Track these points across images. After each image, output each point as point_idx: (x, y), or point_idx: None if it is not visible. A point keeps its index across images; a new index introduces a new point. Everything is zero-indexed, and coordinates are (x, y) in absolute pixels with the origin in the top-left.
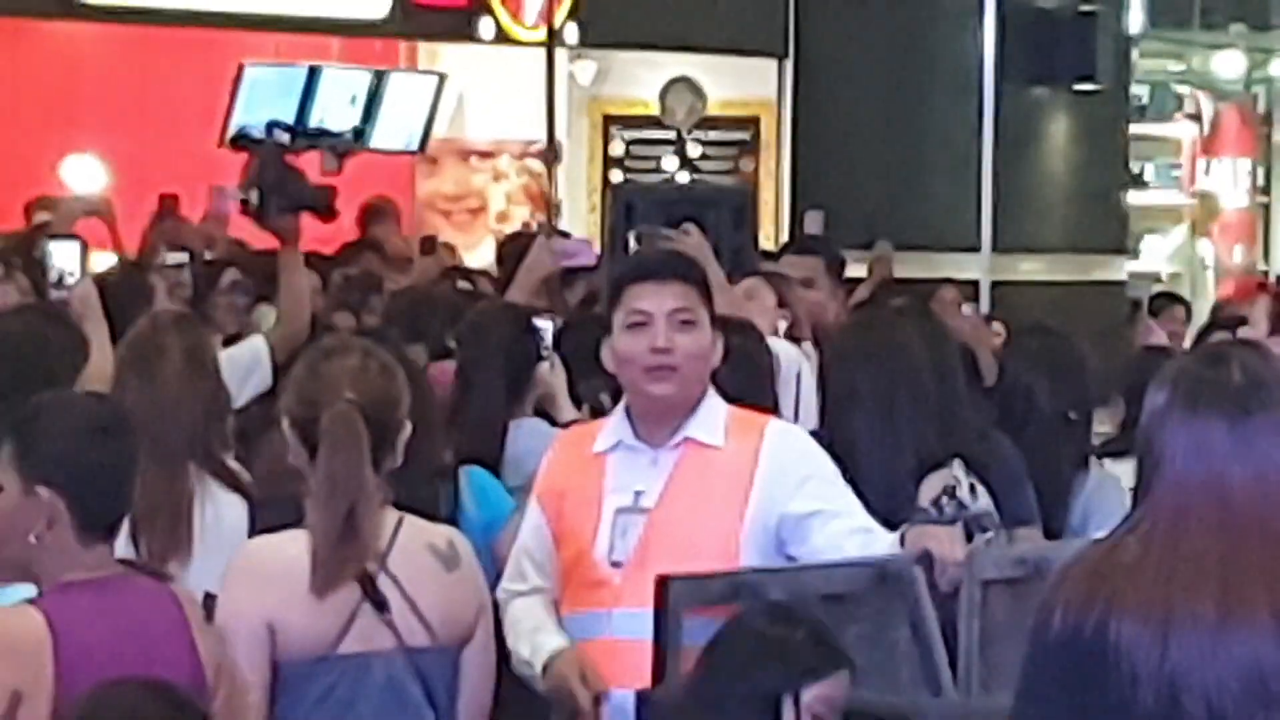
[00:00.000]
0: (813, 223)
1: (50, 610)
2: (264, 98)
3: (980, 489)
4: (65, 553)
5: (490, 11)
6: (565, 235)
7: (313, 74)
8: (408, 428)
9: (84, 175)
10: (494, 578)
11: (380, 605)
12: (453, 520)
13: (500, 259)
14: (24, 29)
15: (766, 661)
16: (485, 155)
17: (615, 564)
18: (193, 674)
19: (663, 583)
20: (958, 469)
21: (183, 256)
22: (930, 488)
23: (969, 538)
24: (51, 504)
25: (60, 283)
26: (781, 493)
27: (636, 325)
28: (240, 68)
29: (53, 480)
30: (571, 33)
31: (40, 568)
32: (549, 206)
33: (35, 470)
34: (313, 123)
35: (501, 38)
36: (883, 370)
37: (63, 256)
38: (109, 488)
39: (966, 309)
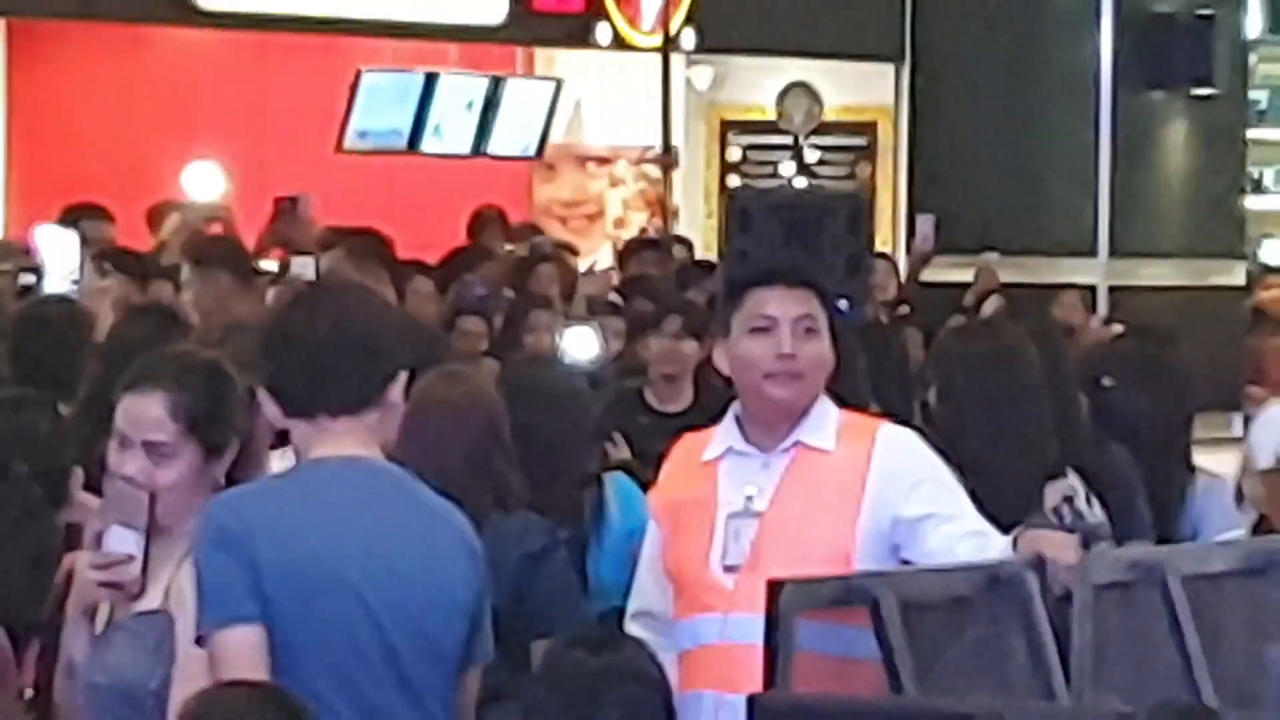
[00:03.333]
0: (924, 225)
1: None
2: (381, 104)
3: (1095, 501)
4: None
5: (607, 17)
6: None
7: (430, 80)
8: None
9: (204, 182)
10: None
11: None
12: (598, 527)
13: (621, 264)
14: (144, 36)
15: None
16: (602, 161)
17: (729, 568)
18: None
19: (774, 587)
20: (1074, 479)
21: (308, 260)
22: (1050, 497)
23: (1085, 547)
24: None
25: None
26: (894, 496)
27: (759, 330)
28: (358, 74)
29: None
30: (688, 38)
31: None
32: (666, 212)
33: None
34: (429, 129)
35: (618, 43)
36: (999, 377)
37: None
38: None
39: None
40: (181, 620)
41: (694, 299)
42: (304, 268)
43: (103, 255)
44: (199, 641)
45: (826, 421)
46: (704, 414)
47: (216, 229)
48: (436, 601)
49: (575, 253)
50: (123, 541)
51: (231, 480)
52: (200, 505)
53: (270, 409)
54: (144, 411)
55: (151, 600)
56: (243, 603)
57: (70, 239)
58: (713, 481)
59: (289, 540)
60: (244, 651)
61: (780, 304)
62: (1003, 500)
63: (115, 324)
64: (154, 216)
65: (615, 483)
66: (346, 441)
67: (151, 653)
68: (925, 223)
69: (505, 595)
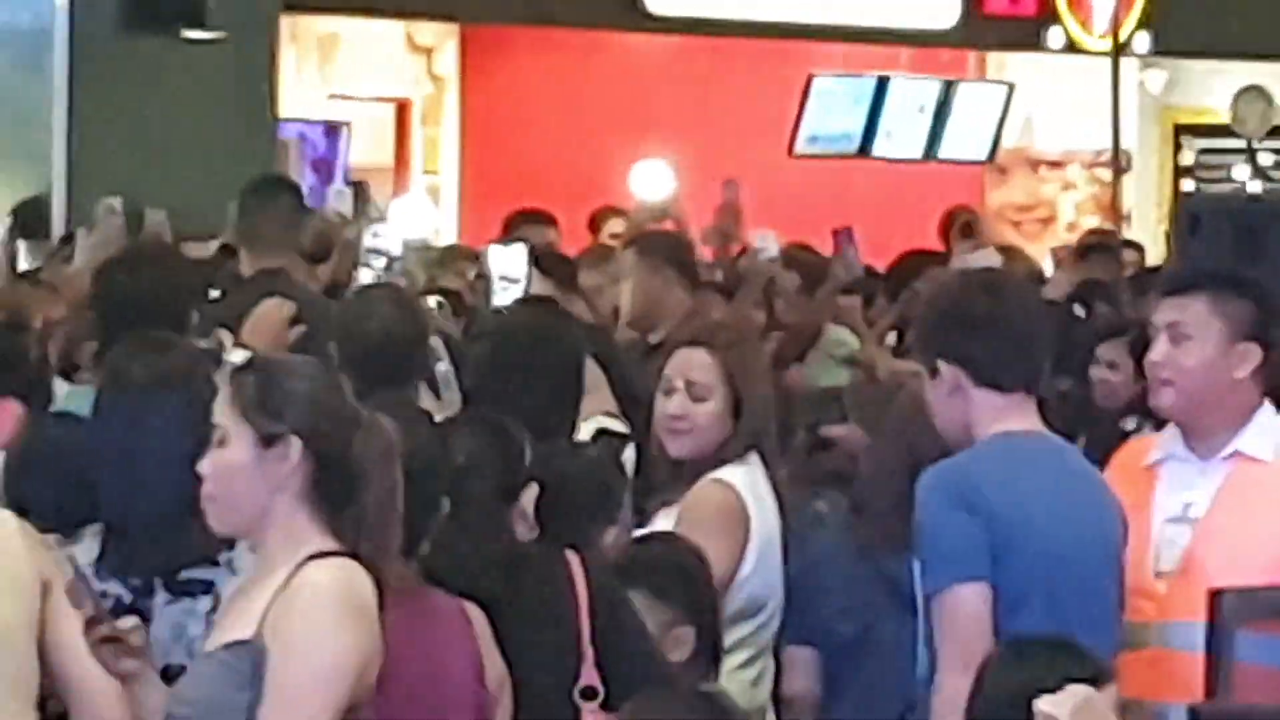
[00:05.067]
0: None
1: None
2: (833, 108)
3: None
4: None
5: (1059, 20)
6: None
7: (881, 84)
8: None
9: (652, 182)
10: None
11: None
12: None
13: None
14: (597, 41)
15: None
16: (1054, 165)
17: (1160, 574)
18: (476, 687)
19: (1216, 596)
20: None
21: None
22: None
23: None
24: None
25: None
26: None
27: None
28: (809, 78)
29: None
30: (1142, 42)
31: None
32: (1118, 217)
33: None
34: (881, 133)
35: (1070, 47)
36: None
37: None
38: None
39: None
40: (275, 652)
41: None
42: (765, 241)
43: (534, 259)
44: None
45: (1267, 432)
46: None
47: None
48: (1109, 554)
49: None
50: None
51: None
52: None
53: (951, 373)
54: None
55: (244, 629)
56: (976, 561)
57: (518, 248)
58: (1151, 487)
59: (1011, 513)
60: (976, 608)
61: (1161, 312)
62: None
63: None
64: (596, 221)
65: None
66: (1029, 415)
67: (242, 684)
68: None
69: None
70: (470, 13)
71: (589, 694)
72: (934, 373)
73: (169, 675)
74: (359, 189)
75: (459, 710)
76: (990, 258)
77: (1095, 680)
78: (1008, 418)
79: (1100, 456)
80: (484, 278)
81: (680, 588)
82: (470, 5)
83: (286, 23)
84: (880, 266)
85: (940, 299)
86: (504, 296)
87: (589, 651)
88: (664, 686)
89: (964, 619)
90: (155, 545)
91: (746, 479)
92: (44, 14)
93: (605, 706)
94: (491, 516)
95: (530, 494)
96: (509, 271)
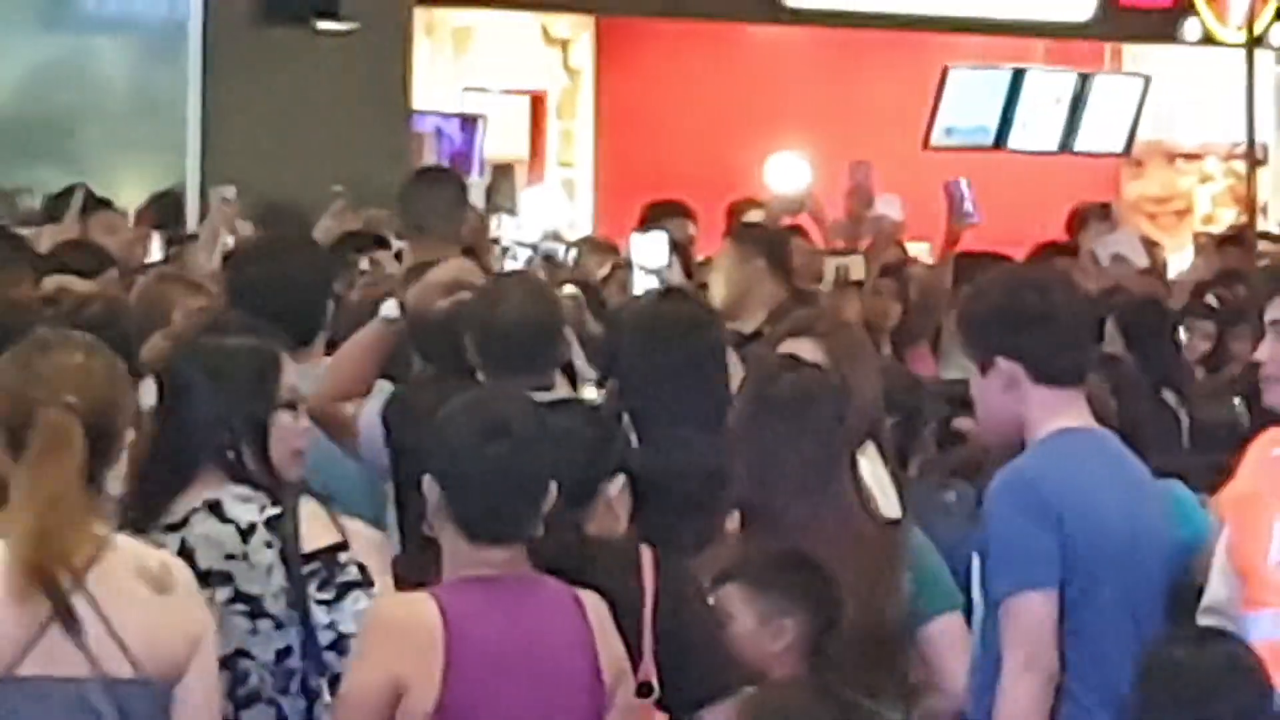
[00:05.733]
0: None
1: (445, 602)
2: (968, 100)
3: None
4: (456, 550)
5: (1195, 13)
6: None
7: (1017, 76)
8: (129, 434)
9: (787, 175)
10: None
11: (71, 624)
12: None
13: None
14: (732, 33)
15: None
16: (1191, 157)
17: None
18: (589, 676)
19: None
20: None
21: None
22: None
23: None
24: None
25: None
26: None
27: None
28: (945, 70)
29: (437, 478)
30: (1278, 34)
31: (444, 560)
32: (1253, 208)
33: (429, 465)
34: (1017, 125)
35: (1206, 39)
36: None
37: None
38: (487, 495)
39: None
40: None
41: None
42: (890, 205)
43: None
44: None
45: None
46: None
47: (799, 221)
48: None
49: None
50: None
51: None
52: None
53: (1009, 369)
54: None
55: None
56: (1046, 568)
57: (659, 239)
58: (1276, 477)
59: (1084, 512)
60: (1044, 614)
61: (1272, 309)
62: None
63: None
64: (733, 213)
65: (1173, 490)
66: (1082, 410)
67: None
68: None
69: None
70: (606, 5)
71: (644, 690)
72: (986, 368)
73: None
74: (500, 175)
75: (569, 697)
76: (1126, 240)
77: None
78: (1062, 413)
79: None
80: (623, 267)
81: (782, 578)
82: None
83: (422, 15)
84: (1017, 258)
85: (991, 295)
86: (643, 285)
87: (648, 648)
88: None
89: (1033, 625)
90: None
91: (868, 469)
92: (179, 6)
93: (662, 704)
94: (567, 503)
95: (617, 485)
96: (648, 261)
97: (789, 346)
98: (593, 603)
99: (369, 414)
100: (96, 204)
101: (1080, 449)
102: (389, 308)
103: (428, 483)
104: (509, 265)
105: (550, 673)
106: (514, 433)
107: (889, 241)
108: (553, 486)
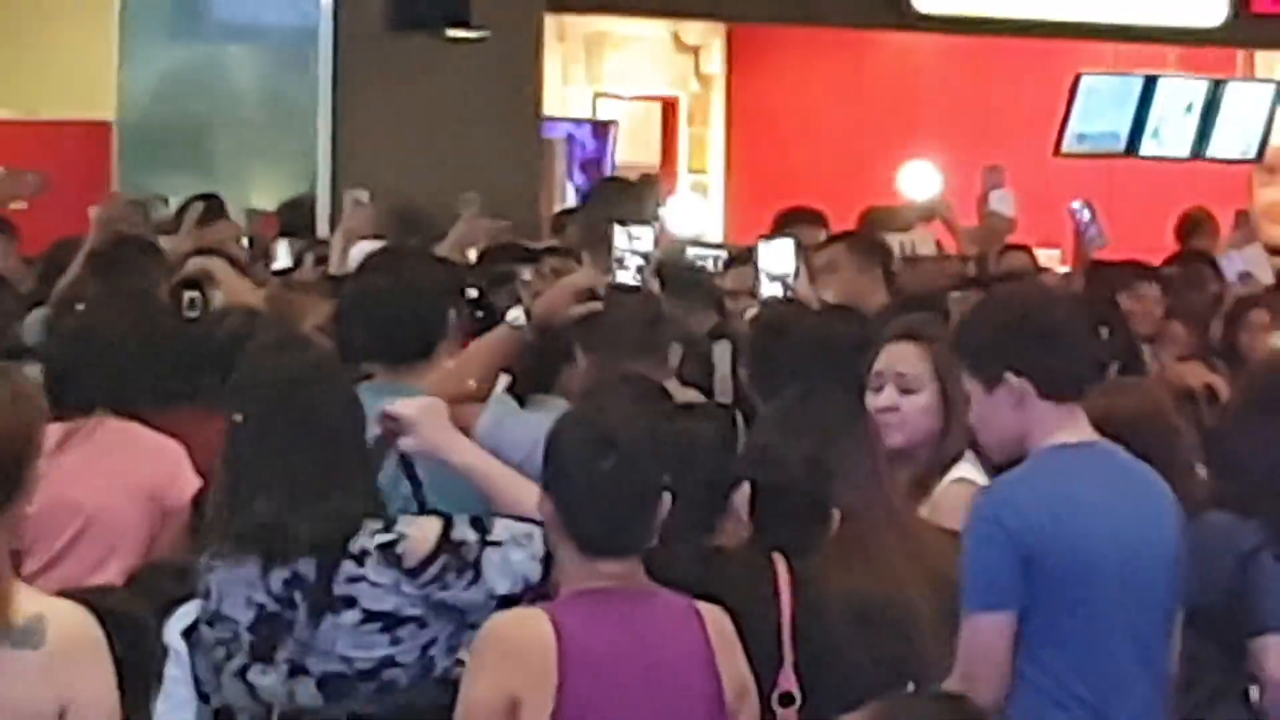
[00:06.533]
0: None
1: (558, 617)
2: (1099, 107)
3: None
4: (571, 564)
5: None
6: None
7: (1149, 83)
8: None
9: (920, 181)
10: None
11: None
12: None
13: None
14: (864, 40)
15: None
16: None
17: None
18: (708, 690)
19: None
20: None
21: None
22: None
23: None
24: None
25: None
26: None
27: None
28: (1077, 77)
29: (549, 493)
30: None
31: (561, 574)
32: None
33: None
34: (1148, 132)
35: None
36: None
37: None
38: (598, 508)
39: None
40: None
41: None
42: (1002, 202)
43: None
44: None
45: None
46: None
47: (928, 228)
48: (1163, 562)
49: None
50: None
51: None
52: None
53: (1019, 385)
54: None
55: None
56: (1002, 592)
57: (786, 245)
58: None
59: (1057, 531)
60: (989, 639)
61: None
62: None
63: None
64: (866, 220)
65: None
66: (1081, 424)
67: None
68: None
69: (1220, 594)
70: (737, 11)
71: (786, 699)
72: (993, 385)
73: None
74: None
75: (686, 711)
76: (1255, 256)
77: None
78: (1063, 428)
79: None
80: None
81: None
82: (737, 4)
83: (553, 22)
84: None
85: (1000, 312)
86: (770, 291)
87: (789, 657)
88: (909, 692)
89: (978, 647)
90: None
91: (979, 475)
92: (309, 14)
93: (804, 713)
94: (697, 511)
95: (743, 493)
96: (774, 267)
97: (893, 349)
98: (713, 616)
99: (485, 420)
100: (215, 214)
101: (1068, 466)
102: (515, 314)
103: (541, 498)
104: (620, 275)
105: (667, 686)
106: (621, 445)
107: (1000, 238)
108: (666, 497)
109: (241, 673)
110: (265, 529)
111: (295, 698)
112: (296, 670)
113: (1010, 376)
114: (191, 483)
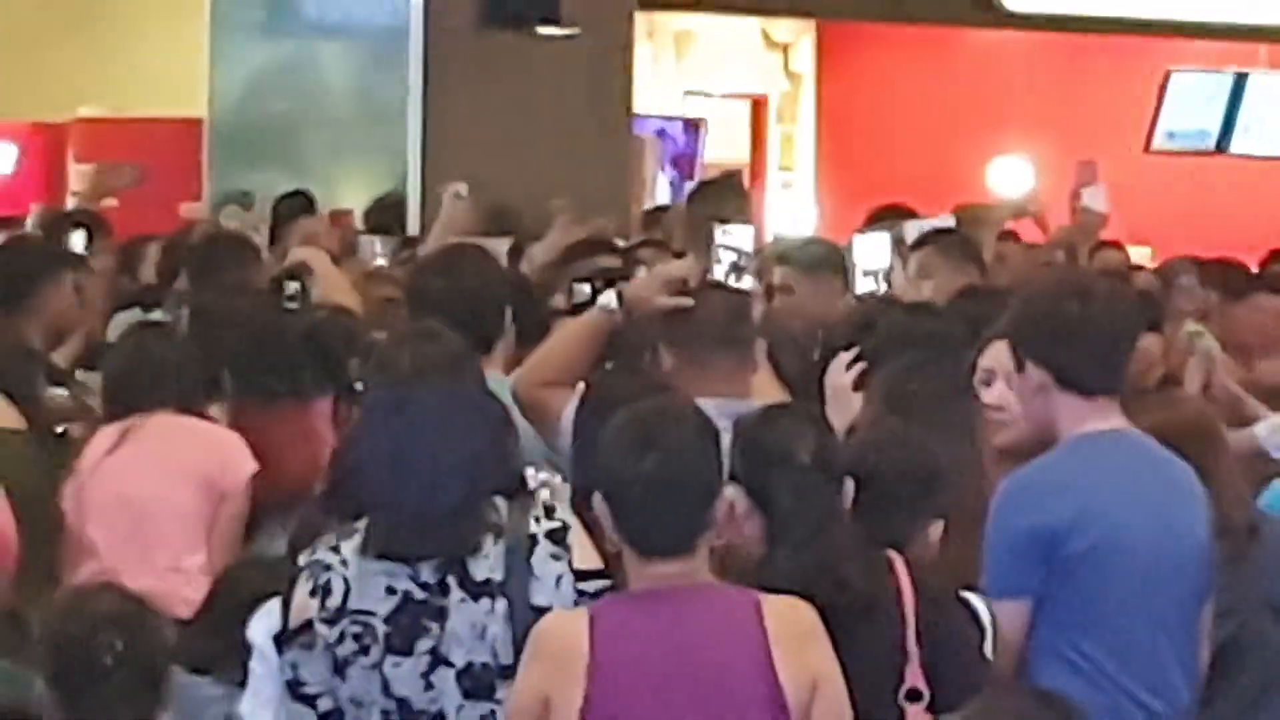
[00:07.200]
0: None
1: (597, 619)
2: (1190, 104)
3: None
4: (631, 564)
5: None
6: None
7: (1239, 80)
8: None
9: (1010, 178)
10: None
11: None
12: None
13: None
14: (953, 37)
15: None
16: None
17: None
18: (762, 689)
19: None
20: None
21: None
22: None
23: None
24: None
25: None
26: None
27: None
28: (1167, 74)
29: (603, 495)
30: None
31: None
32: None
33: (590, 479)
34: (1239, 129)
35: None
36: None
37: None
38: (646, 509)
39: None
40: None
41: None
42: (1095, 197)
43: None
44: None
45: None
46: None
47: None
48: (1191, 552)
49: None
50: None
51: None
52: None
53: (1039, 376)
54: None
55: None
56: (1019, 579)
57: (881, 240)
58: None
59: (1077, 518)
60: (1006, 626)
61: None
62: None
63: None
64: (958, 215)
65: None
66: (1110, 417)
67: None
68: None
69: None
70: (827, 9)
71: (914, 695)
72: (1020, 368)
73: (471, 672)
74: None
75: (737, 711)
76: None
77: None
78: (1089, 420)
79: None
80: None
81: None
82: (827, 1)
83: (642, 19)
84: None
85: (1034, 301)
86: (863, 287)
87: (915, 653)
88: (1006, 688)
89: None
90: (424, 534)
91: None
92: (400, 11)
93: (931, 709)
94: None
95: (847, 490)
96: (869, 263)
97: (1000, 346)
98: (776, 609)
99: (572, 408)
100: (300, 210)
101: (1092, 453)
102: (608, 298)
103: (598, 501)
104: (717, 272)
105: (711, 688)
106: (663, 445)
107: (1092, 235)
108: (722, 495)
109: (377, 665)
110: (417, 517)
111: (431, 689)
112: (438, 662)
113: (1029, 365)
114: (246, 466)
